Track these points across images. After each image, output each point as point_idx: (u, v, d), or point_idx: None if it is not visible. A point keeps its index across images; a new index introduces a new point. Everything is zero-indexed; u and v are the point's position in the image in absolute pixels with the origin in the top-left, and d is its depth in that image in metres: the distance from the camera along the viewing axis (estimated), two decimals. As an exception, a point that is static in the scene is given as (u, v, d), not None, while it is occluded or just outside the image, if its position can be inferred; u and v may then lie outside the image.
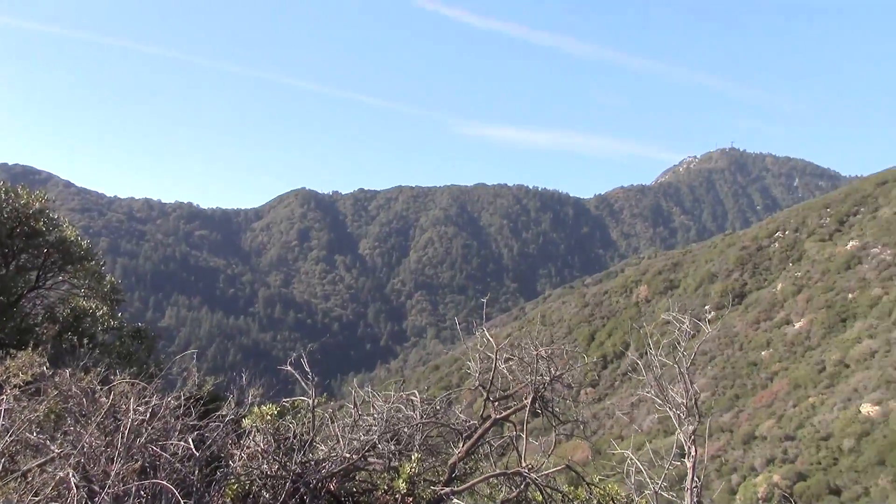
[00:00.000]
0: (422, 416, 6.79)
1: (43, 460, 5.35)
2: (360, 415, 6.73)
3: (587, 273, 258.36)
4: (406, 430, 6.70)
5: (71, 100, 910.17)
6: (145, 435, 5.58)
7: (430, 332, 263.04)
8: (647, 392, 7.00)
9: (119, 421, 5.66)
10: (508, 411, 6.92)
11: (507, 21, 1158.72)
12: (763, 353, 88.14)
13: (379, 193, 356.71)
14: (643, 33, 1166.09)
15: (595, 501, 6.74)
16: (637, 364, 7.58)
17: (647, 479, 6.36)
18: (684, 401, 6.61)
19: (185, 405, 6.26)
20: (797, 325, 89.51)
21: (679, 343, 7.00)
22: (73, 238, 15.48)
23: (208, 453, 5.94)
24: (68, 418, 5.95)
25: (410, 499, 6.01)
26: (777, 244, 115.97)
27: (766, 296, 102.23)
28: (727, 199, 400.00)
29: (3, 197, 13.97)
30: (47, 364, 7.21)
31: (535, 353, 6.90)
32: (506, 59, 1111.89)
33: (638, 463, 6.55)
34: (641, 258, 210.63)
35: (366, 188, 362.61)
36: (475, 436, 6.70)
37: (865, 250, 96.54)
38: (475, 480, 6.43)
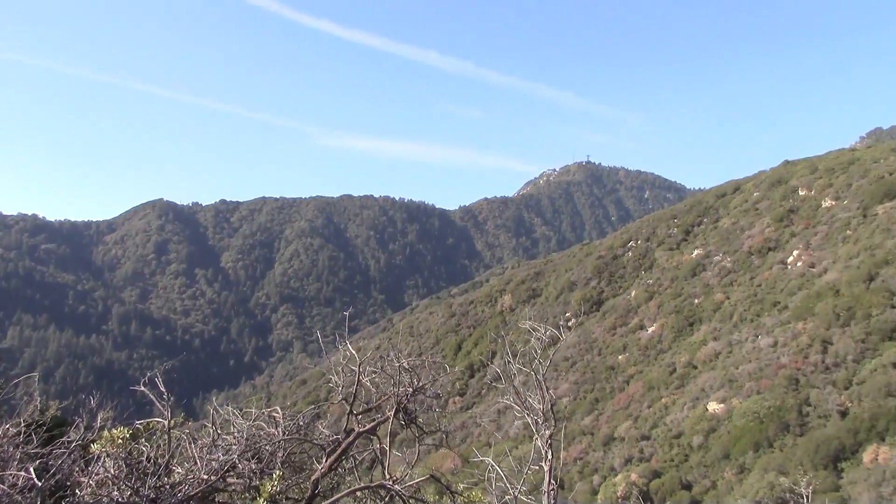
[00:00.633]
0: (284, 433, 6.67)
1: None
2: (219, 434, 6.53)
3: (453, 283, 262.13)
4: (268, 447, 6.55)
5: None
6: (-21, 467, 5.17)
7: (297, 345, 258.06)
8: (507, 399, 7.22)
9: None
10: (372, 424, 6.93)
11: (372, 33, 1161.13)
12: (620, 357, 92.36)
13: (242, 205, 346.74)
14: (504, 50, 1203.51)
15: (459, 509, 6.84)
16: (498, 373, 7.79)
17: (508, 485, 6.56)
18: (541, 407, 6.87)
19: (25, 432, 5.85)
20: (650, 330, 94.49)
21: (536, 351, 7.26)
22: None
23: (52, 483, 5.57)
24: None
25: (272, 518, 5.89)
26: (630, 253, 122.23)
27: (621, 302, 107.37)
28: (585, 211, 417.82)
29: None
30: None
31: (397, 364, 6.94)
32: (370, 70, 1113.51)
33: (499, 469, 6.74)
34: (505, 268, 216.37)
35: (228, 199, 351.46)
36: (338, 450, 6.66)
37: (708, 258, 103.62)
38: (339, 495, 6.38)
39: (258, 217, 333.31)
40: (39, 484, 5.27)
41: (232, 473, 6.25)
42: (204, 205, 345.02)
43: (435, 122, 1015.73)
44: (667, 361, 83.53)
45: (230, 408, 7.11)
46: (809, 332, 68.54)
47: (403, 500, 6.48)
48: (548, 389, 6.96)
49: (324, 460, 6.70)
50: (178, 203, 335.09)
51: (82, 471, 6.00)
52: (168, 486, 5.89)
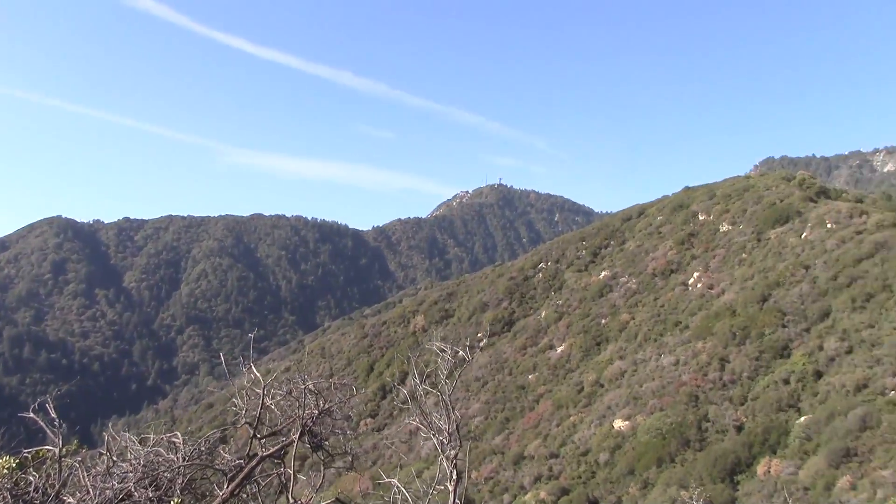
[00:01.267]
0: (184, 459, 6.47)
1: None
2: (114, 461, 6.29)
3: (366, 304, 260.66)
4: (167, 474, 6.35)
5: None
6: None
7: (204, 368, 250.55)
8: (414, 420, 7.26)
9: None
10: (276, 448, 6.82)
11: (284, 51, 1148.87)
12: (530, 376, 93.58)
13: (147, 223, 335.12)
14: (419, 73, 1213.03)
15: (365, 532, 6.82)
16: (404, 394, 7.83)
17: (414, 506, 6.59)
18: (447, 427, 6.93)
19: None
20: (559, 350, 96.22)
21: (441, 371, 7.34)
22: None
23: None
24: None
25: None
26: (541, 274, 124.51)
27: (531, 323, 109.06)
28: (497, 232, 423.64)
29: None
30: None
31: (303, 386, 6.88)
32: (283, 88, 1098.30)
33: (404, 491, 6.75)
34: (418, 289, 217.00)
35: (132, 217, 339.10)
36: (240, 475, 6.52)
37: (615, 279, 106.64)
38: (241, 521, 6.25)
39: (164, 236, 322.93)
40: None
41: (128, 502, 6.02)
42: (106, 222, 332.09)
43: (349, 143, 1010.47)
44: (575, 380, 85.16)
45: (128, 434, 6.87)
46: (708, 351, 71.39)
47: (307, 525, 6.39)
48: (454, 409, 7.04)
49: (225, 486, 6.55)
50: (78, 221, 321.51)
51: (-38, 505, 5.68)
52: (58, 517, 5.63)
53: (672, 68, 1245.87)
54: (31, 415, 6.29)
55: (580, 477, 64.17)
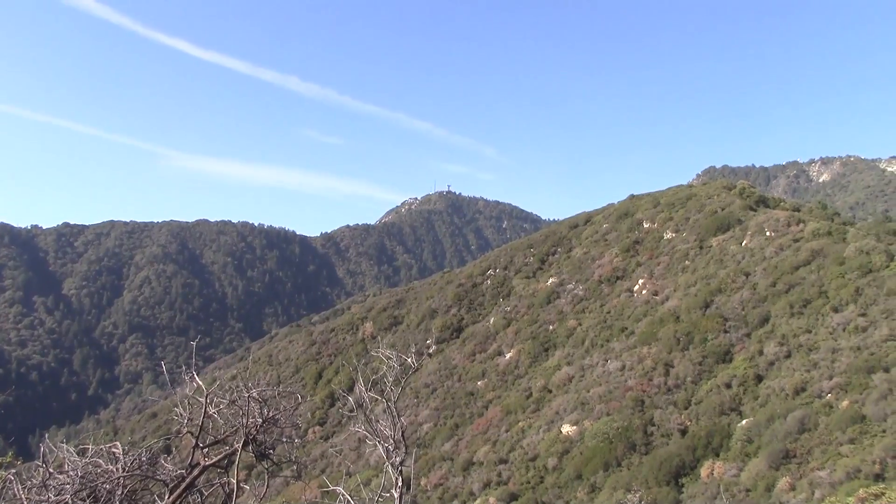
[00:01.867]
0: (124, 469, 6.36)
1: None
2: (50, 473, 6.14)
3: (314, 311, 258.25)
4: (106, 485, 6.23)
5: None
6: None
7: (147, 377, 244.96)
8: (359, 428, 7.25)
9: None
10: (219, 457, 6.74)
11: (229, 55, 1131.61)
12: (479, 382, 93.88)
13: (88, 228, 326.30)
14: (366, 80, 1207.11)
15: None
16: (351, 402, 7.82)
17: (360, 514, 6.58)
18: (392, 434, 6.95)
19: None
20: (508, 356, 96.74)
21: (388, 379, 7.35)
22: None
23: None
24: None
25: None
26: (489, 281, 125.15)
27: (480, 329, 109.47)
28: (445, 239, 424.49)
29: None
30: None
31: (246, 394, 6.82)
32: (227, 93, 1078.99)
33: (349, 498, 6.74)
34: (367, 295, 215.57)
35: (72, 222, 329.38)
36: (182, 486, 6.43)
37: (562, 286, 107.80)
38: (183, 533, 6.16)
39: (106, 242, 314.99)
40: None
41: (65, 515, 5.88)
42: (44, 228, 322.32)
43: (296, 149, 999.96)
44: (523, 386, 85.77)
45: (66, 445, 6.71)
46: (653, 356, 72.74)
47: (251, 535, 6.34)
48: (399, 417, 7.06)
49: (167, 497, 6.45)
50: (15, 226, 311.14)
51: None
52: (-9, 532, 5.47)
53: (618, 80, 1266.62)
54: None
55: (529, 482, 64.59)
